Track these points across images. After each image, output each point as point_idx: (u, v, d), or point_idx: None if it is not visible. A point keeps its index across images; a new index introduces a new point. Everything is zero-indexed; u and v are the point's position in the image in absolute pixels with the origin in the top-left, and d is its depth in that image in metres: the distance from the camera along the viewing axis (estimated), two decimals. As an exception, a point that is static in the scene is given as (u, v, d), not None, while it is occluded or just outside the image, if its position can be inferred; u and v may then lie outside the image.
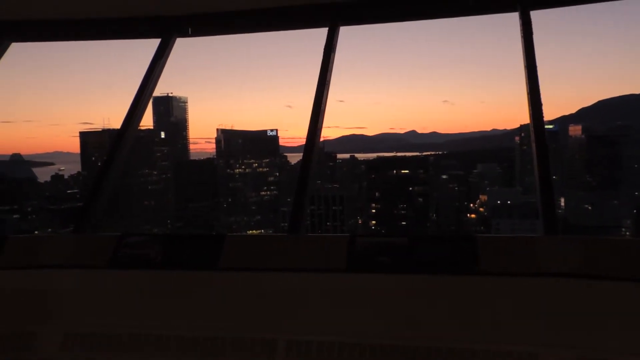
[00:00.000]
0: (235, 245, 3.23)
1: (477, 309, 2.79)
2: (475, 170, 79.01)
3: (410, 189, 70.79)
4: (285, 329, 2.92)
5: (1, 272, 3.27)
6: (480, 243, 2.96)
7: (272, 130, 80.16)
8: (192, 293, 3.13)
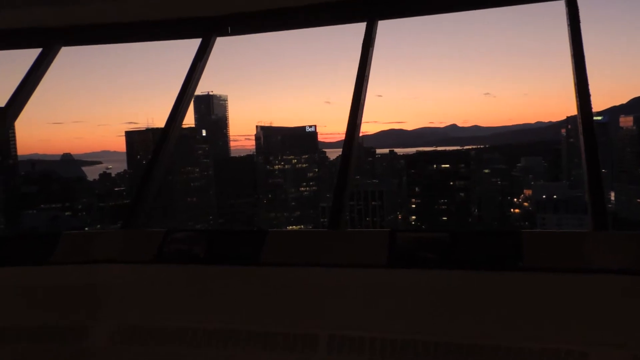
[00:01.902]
0: (276, 240, 3.27)
1: (522, 306, 2.73)
2: (519, 164, 77.05)
3: (451, 183, 69.69)
4: (327, 324, 2.94)
5: (56, 266, 3.42)
6: (524, 238, 2.89)
7: (310, 127, 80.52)
8: (235, 287, 3.20)
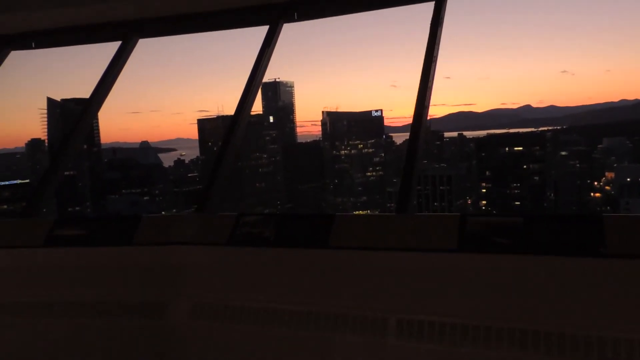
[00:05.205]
0: (344, 224, 3.29)
1: (604, 294, 2.58)
2: (600, 146, 72.17)
3: (525, 167, 66.62)
4: (396, 308, 2.93)
5: (137, 247, 3.64)
6: (607, 223, 2.72)
7: (376, 111, 79.76)
8: (304, 270, 3.26)
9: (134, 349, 3.47)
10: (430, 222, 3.18)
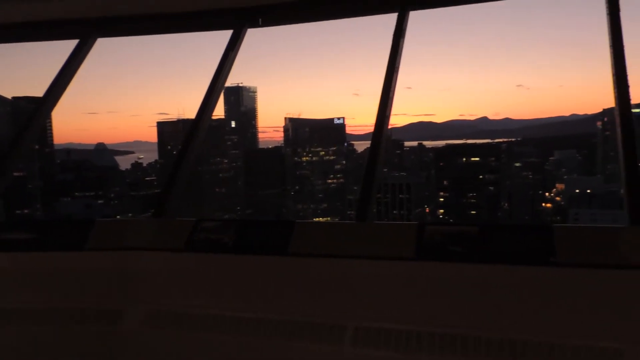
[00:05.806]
0: (304, 231, 3.29)
1: (555, 302, 2.68)
2: (552, 158, 75.08)
3: (481, 177, 68.56)
4: (353, 315, 2.95)
5: (90, 252, 3.52)
6: (557, 233, 2.83)
7: (339, 119, 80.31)
8: (263, 277, 3.23)
9: (87, 356, 3.35)
10: (388, 231, 3.23)
